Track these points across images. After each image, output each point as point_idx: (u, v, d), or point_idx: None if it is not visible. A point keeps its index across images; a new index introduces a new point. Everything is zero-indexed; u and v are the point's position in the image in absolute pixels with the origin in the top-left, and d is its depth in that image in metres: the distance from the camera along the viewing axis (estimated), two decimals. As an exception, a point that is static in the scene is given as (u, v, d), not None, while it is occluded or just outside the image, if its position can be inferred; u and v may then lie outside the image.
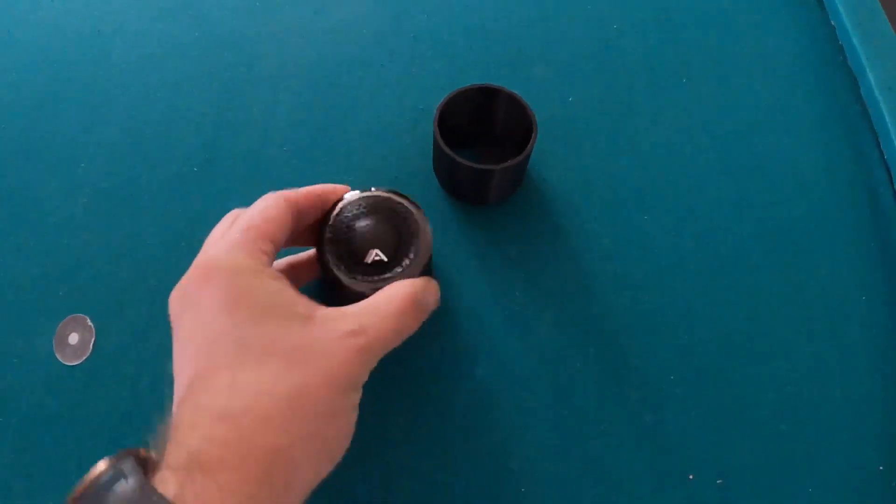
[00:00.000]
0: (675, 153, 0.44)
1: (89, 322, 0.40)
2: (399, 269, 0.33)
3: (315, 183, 0.34)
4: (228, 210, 0.43)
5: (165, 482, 0.23)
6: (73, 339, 0.39)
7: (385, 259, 0.33)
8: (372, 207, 0.34)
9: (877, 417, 0.37)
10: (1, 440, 0.37)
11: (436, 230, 0.40)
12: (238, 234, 0.30)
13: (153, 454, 0.25)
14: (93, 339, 0.39)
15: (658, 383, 0.37)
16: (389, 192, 0.35)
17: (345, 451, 0.28)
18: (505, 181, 0.39)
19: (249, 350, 0.26)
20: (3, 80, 0.48)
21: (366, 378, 0.29)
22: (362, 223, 0.34)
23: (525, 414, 0.36)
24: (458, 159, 0.37)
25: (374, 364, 0.29)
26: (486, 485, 0.35)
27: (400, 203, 0.34)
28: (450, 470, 0.35)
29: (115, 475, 0.23)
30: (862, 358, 0.38)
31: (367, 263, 0.33)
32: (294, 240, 0.34)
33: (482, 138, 0.42)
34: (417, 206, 0.35)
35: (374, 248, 0.33)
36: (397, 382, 0.37)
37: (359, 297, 0.31)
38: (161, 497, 0.22)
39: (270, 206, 0.31)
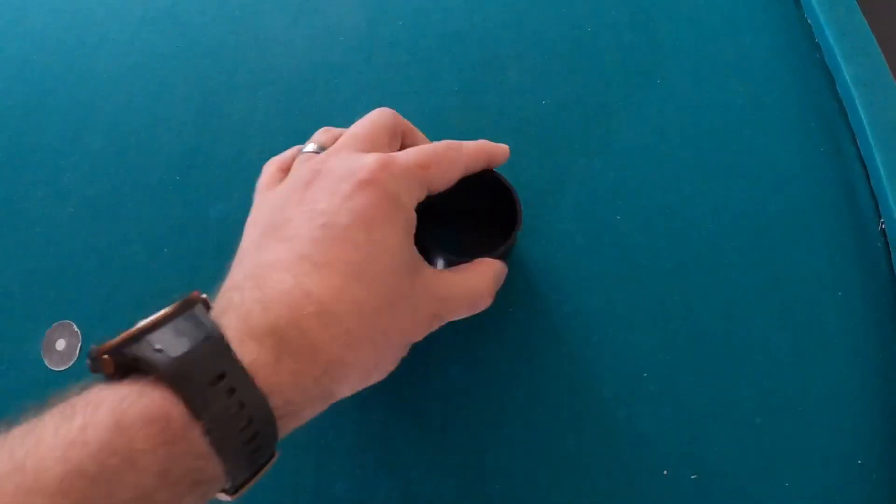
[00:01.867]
0: (650, 152, 0.44)
1: (76, 328, 0.40)
2: (503, 247, 0.35)
3: None
4: (210, 216, 0.44)
5: (244, 345, 0.23)
6: (61, 344, 0.40)
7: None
8: (477, 184, 0.36)
9: (855, 411, 0.37)
10: None
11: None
12: (416, 165, 0.30)
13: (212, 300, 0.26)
14: (79, 345, 0.40)
15: (631, 380, 0.37)
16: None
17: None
18: None
19: (366, 272, 0.27)
20: None
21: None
22: (472, 198, 0.36)
23: (499, 412, 0.37)
24: (434, 248, 0.35)
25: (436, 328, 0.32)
26: (461, 482, 0.35)
27: (498, 181, 0.36)
28: (425, 467, 0.35)
29: (191, 322, 0.23)
30: (839, 352, 0.38)
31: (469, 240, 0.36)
32: None
33: (463, 215, 0.40)
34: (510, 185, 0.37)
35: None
36: (376, 384, 0.37)
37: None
38: (240, 365, 0.22)
39: (450, 162, 0.32)
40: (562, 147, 0.44)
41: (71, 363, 0.40)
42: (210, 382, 0.21)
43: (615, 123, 0.45)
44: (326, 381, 0.26)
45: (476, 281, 0.33)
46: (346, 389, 0.28)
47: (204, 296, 0.25)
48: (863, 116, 0.44)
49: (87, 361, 0.23)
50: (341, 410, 0.36)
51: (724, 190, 0.43)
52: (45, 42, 0.51)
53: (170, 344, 0.22)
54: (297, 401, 0.24)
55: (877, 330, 0.39)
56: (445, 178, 0.32)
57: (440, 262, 0.35)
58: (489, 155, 0.35)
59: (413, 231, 0.31)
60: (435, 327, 0.32)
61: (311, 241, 0.27)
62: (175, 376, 0.21)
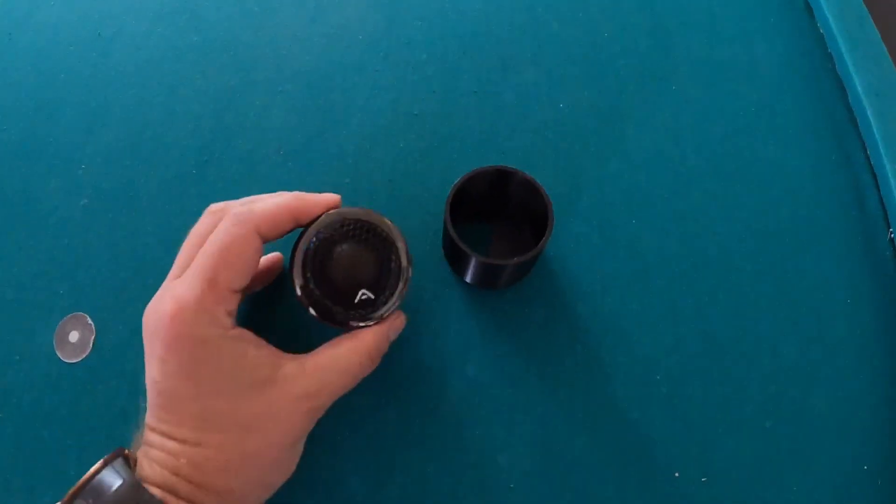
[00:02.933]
0: (664, 157, 0.45)
1: (89, 320, 0.40)
2: (384, 310, 0.32)
3: (310, 184, 0.35)
4: None
5: (150, 488, 0.28)
6: (74, 336, 0.40)
7: (372, 297, 0.32)
8: (349, 232, 0.33)
9: (862, 417, 0.38)
10: (1, 437, 0.37)
11: (421, 237, 0.41)
12: (203, 289, 0.29)
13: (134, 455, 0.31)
14: (93, 337, 0.40)
15: (644, 382, 0.38)
16: (362, 211, 0.33)
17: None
18: (517, 270, 0.37)
19: (210, 418, 0.30)
20: (2, 81, 0.49)
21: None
22: (344, 250, 0.32)
23: (514, 411, 0.37)
24: (467, 250, 0.34)
25: (321, 415, 0.33)
26: (476, 479, 0.36)
27: (380, 227, 0.33)
28: (440, 465, 0.36)
29: (111, 474, 0.29)
30: (847, 358, 0.39)
31: (353, 303, 0.32)
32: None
33: (496, 215, 0.40)
34: (391, 224, 0.33)
35: (355, 277, 0.32)
36: (391, 381, 0.38)
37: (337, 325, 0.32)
38: (152, 496, 0.28)
39: (237, 245, 0.30)
40: (578, 150, 0.45)
41: (84, 355, 0.40)
42: None
43: (630, 128, 0.46)
44: None
45: (347, 359, 0.32)
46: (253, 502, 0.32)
47: (127, 451, 0.30)
48: (873, 126, 0.44)
49: None
50: (356, 408, 0.37)
51: (735, 196, 0.44)
52: (58, 34, 0.51)
53: (97, 493, 0.28)
54: None
55: (884, 337, 0.40)
56: (242, 272, 0.31)
57: (472, 261, 0.36)
58: (293, 211, 0.32)
59: (243, 344, 0.31)
60: (318, 417, 0.32)
61: (158, 407, 0.30)
62: None
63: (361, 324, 0.32)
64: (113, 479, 0.28)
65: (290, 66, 0.48)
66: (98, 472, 0.29)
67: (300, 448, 0.33)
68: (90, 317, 0.40)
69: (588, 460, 0.36)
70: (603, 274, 0.41)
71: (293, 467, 0.33)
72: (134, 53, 0.49)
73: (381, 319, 0.33)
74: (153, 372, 0.30)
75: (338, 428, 0.36)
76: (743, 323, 0.40)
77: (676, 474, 0.36)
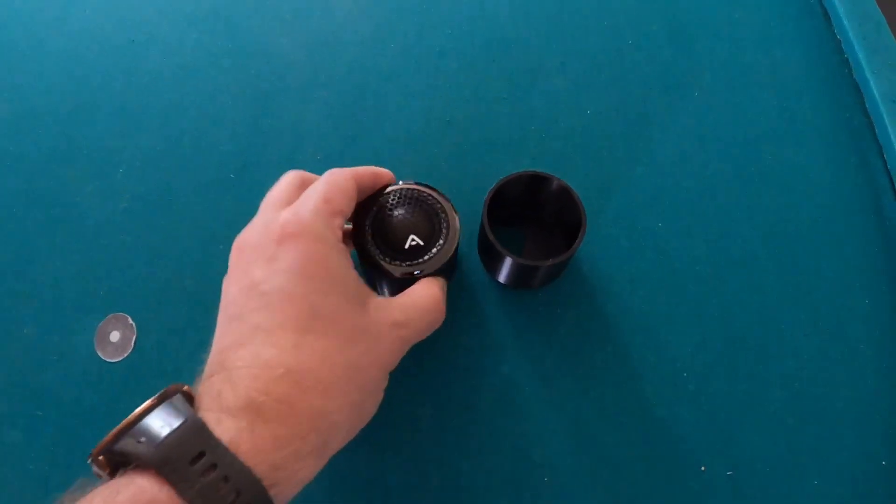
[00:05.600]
0: (688, 161, 0.46)
1: (130, 320, 0.41)
2: (434, 251, 0.36)
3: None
4: None
5: (221, 423, 0.24)
6: (115, 336, 0.41)
7: (422, 243, 0.36)
8: (407, 199, 0.37)
9: (881, 415, 0.39)
10: (41, 434, 0.38)
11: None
12: (320, 202, 0.31)
13: (193, 390, 0.27)
14: (134, 337, 0.41)
15: (672, 379, 0.39)
16: (421, 185, 0.38)
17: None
18: (550, 272, 0.39)
19: (318, 318, 0.28)
20: (35, 86, 0.49)
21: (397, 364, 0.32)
22: (399, 212, 0.37)
23: (547, 408, 0.38)
24: (503, 251, 0.36)
25: (406, 352, 0.32)
26: (510, 474, 0.37)
27: (430, 194, 0.37)
28: (475, 460, 0.37)
29: (168, 411, 0.25)
30: (866, 357, 0.40)
31: (405, 249, 0.36)
32: None
33: (529, 219, 0.42)
34: (446, 198, 0.37)
35: (411, 234, 0.36)
36: (428, 378, 0.39)
37: (397, 281, 0.35)
38: (218, 442, 0.24)
39: (343, 182, 0.33)
40: (605, 155, 0.46)
41: (126, 355, 0.40)
42: (190, 462, 0.23)
43: (655, 133, 0.47)
44: (314, 437, 0.26)
45: (425, 300, 0.33)
46: (338, 440, 0.29)
47: (186, 387, 0.27)
48: (890, 130, 0.45)
49: (90, 463, 0.25)
50: (394, 405, 0.38)
51: (757, 199, 0.45)
52: (91, 39, 0.51)
53: (150, 434, 0.24)
54: (286, 464, 0.25)
55: (903, 338, 0.41)
56: (347, 201, 0.33)
57: (507, 262, 0.37)
58: (375, 174, 0.36)
59: (349, 261, 0.31)
60: (405, 351, 0.32)
61: (255, 311, 0.28)
62: (157, 461, 0.23)
63: (416, 270, 0.35)
64: (170, 417, 0.24)
65: (324, 73, 0.49)
66: (151, 408, 0.25)
67: (386, 383, 0.31)
68: (131, 317, 0.41)
69: (618, 455, 0.37)
70: (631, 275, 0.42)
71: (378, 403, 0.31)
72: (168, 59, 0.50)
73: (436, 258, 0.36)
74: (255, 275, 0.29)
75: (376, 425, 0.37)
76: (766, 322, 0.41)
77: (703, 468, 0.37)
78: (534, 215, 0.41)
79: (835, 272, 0.43)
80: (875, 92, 0.47)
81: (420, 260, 0.35)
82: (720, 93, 0.49)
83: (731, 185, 0.45)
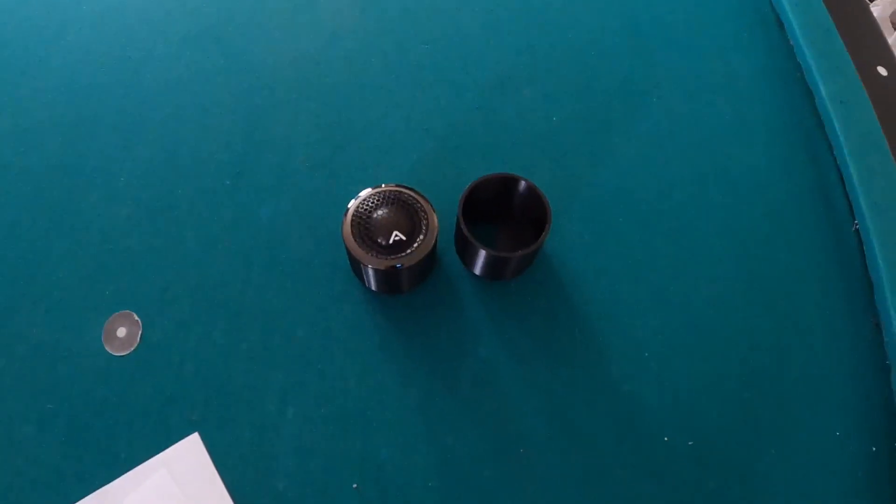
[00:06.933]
0: (648, 162, 0.49)
1: (136, 317, 0.44)
2: (416, 245, 0.39)
3: (335, 192, 0.38)
4: (261, 216, 0.46)
5: None
6: (122, 332, 0.43)
7: (404, 238, 0.39)
8: (390, 199, 0.41)
9: (833, 389, 0.42)
10: (52, 427, 0.40)
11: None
12: None
13: None
14: (140, 332, 0.43)
15: (635, 360, 0.42)
16: (403, 186, 0.41)
17: None
18: (521, 263, 0.42)
19: None
20: (37, 101, 0.52)
21: None
22: (383, 211, 0.40)
23: (522, 386, 0.42)
24: (478, 244, 0.40)
25: None
26: (490, 446, 0.40)
27: (411, 195, 0.41)
28: (458, 434, 0.40)
29: None
30: (816, 337, 0.44)
31: (389, 244, 0.39)
32: None
33: (501, 216, 0.45)
34: (426, 198, 0.41)
35: (394, 230, 0.40)
36: (414, 363, 0.42)
37: (381, 272, 0.38)
38: None
39: None
40: (571, 158, 0.49)
41: (132, 349, 0.43)
42: None
43: (617, 137, 0.50)
44: None
45: None
46: None
47: None
48: (838, 129, 0.49)
49: None
50: (384, 388, 0.41)
51: (714, 195, 0.48)
52: (88, 56, 0.54)
53: None
54: None
55: (851, 318, 0.44)
56: None
57: (482, 254, 0.40)
58: None
59: None
60: None
61: None
62: None
63: (398, 263, 0.39)
64: None
65: (311, 86, 0.52)
66: None
67: None
68: (136, 314, 0.43)
69: (588, 427, 0.40)
70: (596, 267, 0.45)
71: None
72: (164, 74, 0.53)
73: (417, 251, 0.39)
74: None
75: (368, 405, 0.41)
76: (722, 307, 0.44)
77: (666, 439, 0.40)
78: (505, 213, 0.45)
79: (787, 261, 0.46)
80: (824, 94, 0.50)
81: (403, 254, 0.39)
82: (678, 99, 0.52)
83: (689, 183, 0.49)
